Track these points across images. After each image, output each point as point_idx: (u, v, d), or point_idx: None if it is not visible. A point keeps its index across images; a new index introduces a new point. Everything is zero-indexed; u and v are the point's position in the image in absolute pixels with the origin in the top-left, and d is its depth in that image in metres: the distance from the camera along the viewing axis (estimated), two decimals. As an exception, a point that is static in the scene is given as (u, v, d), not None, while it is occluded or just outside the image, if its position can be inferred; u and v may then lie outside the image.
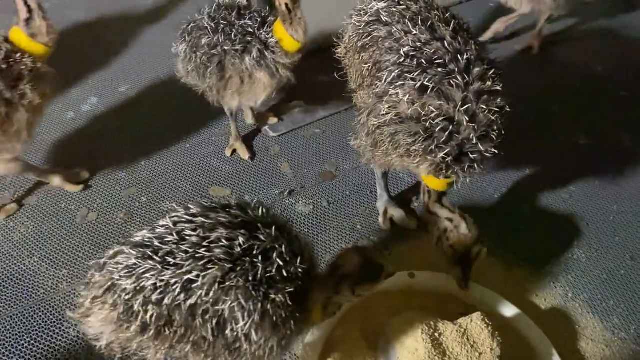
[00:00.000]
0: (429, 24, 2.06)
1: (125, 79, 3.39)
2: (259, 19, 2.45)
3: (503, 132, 1.99)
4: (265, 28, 2.44)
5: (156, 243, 1.54)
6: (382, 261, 1.71)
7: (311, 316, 1.69)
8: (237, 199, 1.72)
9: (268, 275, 1.50)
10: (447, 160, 1.96)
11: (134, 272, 1.51)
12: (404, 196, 2.77)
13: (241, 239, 1.51)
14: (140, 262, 1.51)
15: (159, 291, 1.49)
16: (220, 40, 2.41)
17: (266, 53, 2.42)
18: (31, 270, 2.44)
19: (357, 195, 2.77)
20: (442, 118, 1.91)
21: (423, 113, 1.92)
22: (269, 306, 1.50)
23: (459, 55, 1.96)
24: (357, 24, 2.28)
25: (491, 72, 1.97)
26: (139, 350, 1.60)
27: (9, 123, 2.27)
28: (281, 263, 1.53)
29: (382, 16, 2.17)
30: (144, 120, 3.14)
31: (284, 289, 1.52)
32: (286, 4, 2.32)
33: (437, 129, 1.91)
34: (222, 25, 2.43)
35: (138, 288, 1.50)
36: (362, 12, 2.28)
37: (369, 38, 2.19)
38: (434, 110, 1.91)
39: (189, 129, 3.10)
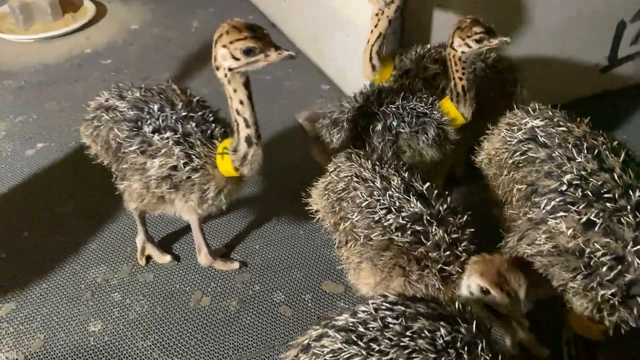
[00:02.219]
0: (595, 152, 1.96)
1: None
2: (427, 100, 2.56)
3: None
4: (435, 109, 2.56)
5: (360, 328, 1.54)
6: None
7: None
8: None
9: None
10: (612, 301, 1.79)
11: (339, 357, 1.50)
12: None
13: (443, 331, 1.51)
14: (345, 347, 1.51)
15: None
16: (394, 125, 2.48)
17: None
18: (144, 355, 2.41)
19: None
20: (609, 257, 1.77)
21: (588, 250, 1.80)
22: None
23: (630, 191, 1.84)
24: (509, 138, 2.20)
25: None
26: None
27: None
28: (487, 358, 1.51)
29: (539, 136, 2.09)
30: (257, 203, 3.13)
31: None
32: (463, 86, 2.51)
33: (603, 267, 1.77)
34: (392, 109, 2.51)
35: None
36: (514, 128, 2.20)
37: (524, 157, 2.11)
38: (600, 248, 1.78)
39: (304, 215, 3.04)
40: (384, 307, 1.60)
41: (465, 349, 1.50)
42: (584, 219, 1.81)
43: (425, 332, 1.51)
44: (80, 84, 4.05)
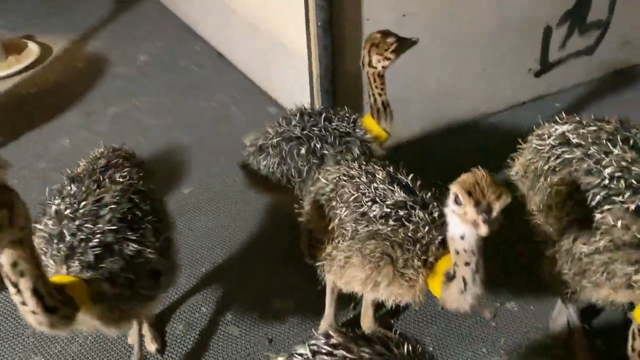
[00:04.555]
0: (631, 142, 1.97)
1: (189, 182, 3.43)
2: (349, 119, 2.57)
3: None
4: (357, 127, 2.55)
5: None
6: None
7: None
8: (380, 332, 1.60)
9: None
10: None
11: None
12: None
13: None
14: None
15: None
16: (318, 147, 2.47)
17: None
18: None
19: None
20: None
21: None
22: None
23: None
24: (540, 147, 2.21)
25: None
26: None
27: None
28: None
29: (571, 138, 2.10)
30: (204, 225, 3.12)
31: None
32: (383, 102, 2.52)
33: None
34: (315, 132, 2.50)
35: None
36: (544, 136, 2.23)
37: (559, 160, 2.10)
38: None
39: (249, 236, 3.05)
40: (323, 351, 1.46)
41: None
42: (632, 206, 1.79)
43: None
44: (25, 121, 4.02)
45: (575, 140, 2.07)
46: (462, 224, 1.67)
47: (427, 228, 1.92)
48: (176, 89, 4.31)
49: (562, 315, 2.45)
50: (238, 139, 3.49)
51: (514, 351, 2.42)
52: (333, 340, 1.49)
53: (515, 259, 2.80)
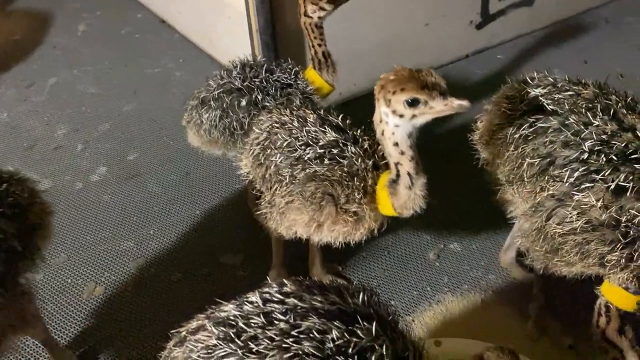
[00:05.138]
0: (611, 112, 1.82)
1: (134, 148, 3.38)
2: (290, 71, 2.54)
3: None
4: (299, 79, 2.53)
5: (241, 323, 1.39)
6: None
7: None
8: (334, 281, 1.60)
9: None
10: None
11: (212, 355, 1.36)
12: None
13: (335, 333, 1.34)
14: (221, 344, 1.36)
15: None
16: (260, 98, 2.44)
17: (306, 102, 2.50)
18: (39, 349, 2.31)
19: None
20: None
21: (623, 219, 1.66)
22: None
23: None
24: (510, 112, 2.05)
25: None
26: None
27: None
28: None
29: (545, 104, 1.94)
30: (151, 189, 3.10)
31: None
32: (323, 52, 2.50)
33: None
34: (256, 83, 2.47)
35: None
36: (515, 99, 2.06)
37: (532, 129, 1.94)
38: (637, 214, 1.65)
39: (197, 195, 3.04)
40: (275, 300, 1.43)
41: (355, 358, 1.33)
42: (613, 185, 1.67)
43: (314, 332, 1.33)
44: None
45: (550, 107, 1.92)
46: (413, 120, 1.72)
47: (359, 160, 1.95)
48: (118, 58, 4.21)
49: (511, 250, 2.51)
50: (183, 103, 3.47)
51: (457, 288, 2.51)
52: (286, 289, 1.48)
53: (457, 202, 2.89)
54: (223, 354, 1.35)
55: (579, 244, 1.75)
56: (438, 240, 2.73)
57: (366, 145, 1.99)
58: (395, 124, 1.76)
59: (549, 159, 1.86)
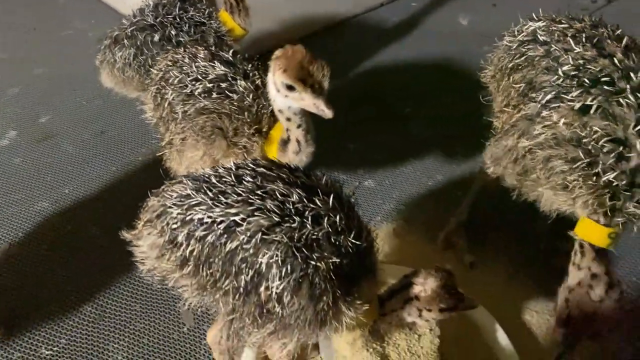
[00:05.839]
0: (595, 40, 1.84)
1: (46, 110, 3.28)
2: (204, 11, 2.55)
3: None
4: (213, 19, 2.54)
5: (214, 180, 1.52)
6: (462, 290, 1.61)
7: (360, 310, 1.55)
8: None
9: (314, 238, 1.41)
10: (613, 187, 1.65)
11: (185, 203, 1.50)
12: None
13: (296, 197, 1.45)
14: (194, 194, 1.49)
15: (203, 227, 1.46)
16: (173, 34, 2.44)
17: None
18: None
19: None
20: (607, 139, 1.64)
21: (583, 134, 1.67)
22: (309, 271, 1.40)
23: (631, 73, 1.70)
24: (509, 44, 2.09)
25: None
26: (176, 286, 1.58)
27: None
28: (331, 230, 1.43)
29: (539, 35, 1.97)
30: (66, 149, 3.04)
31: (329, 258, 1.42)
32: None
33: (604, 151, 1.64)
34: (169, 20, 2.46)
35: (186, 220, 1.49)
36: (516, 32, 2.10)
37: (523, 58, 1.98)
38: (598, 130, 1.65)
39: (113, 153, 3.01)
40: (247, 168, 1.56)
41: (310, 219, 1.42)
42: (578, 105, 1.70)
43: (277, 194, 1.45)
44: None
45: (542, 38, 1.96)
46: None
47: (252, 96, 1.99)
48: (29, 23, 4.04)
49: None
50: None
51: (371, 220, 2.61)
52: (259, 162, 1.60)
53: (373, 144, 2.98)
54: (194, 203, 1.49)
55: (545, 159, 1.77)
56: (353, 179, 2.82)
57: (258, 82, 2.02)
58: (273, 93, 1.82)
59: (530, 85, 1.91)
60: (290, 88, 1.75)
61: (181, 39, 2.47)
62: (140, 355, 2.16)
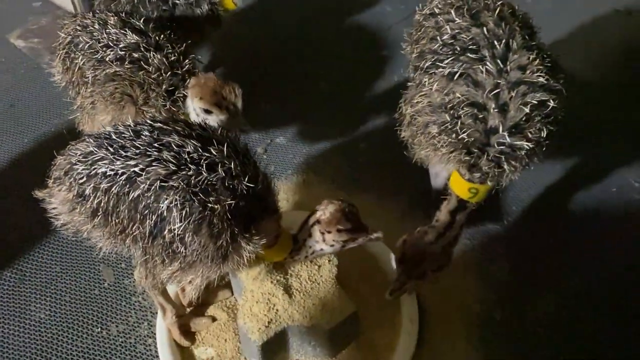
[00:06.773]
0: (473, 12, 1.97)
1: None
2: None
3: (547, 132, 1.82)
4: None
5: (114, 136, 1.62)
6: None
7: (259, 244, 1.69)
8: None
9: (209, 183, 1.55)
10: (468, 144, 1.82)
11: (89, 159, 1.60)
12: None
13: (191, 147, 1.57)
14: (96, 151, 1.60)
15: (107, 179, 1.57)
16: None
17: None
18: None
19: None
20: (467, 103, 1.80)
21: (448, 100, 1.84)
22: (206, 213, 1.54)
23: (496, 42, 1.84)
24: (417, 17, 2.22)
25: (537, 63, 1.81)
26: (91, 237, 1.70)
27: None
28: (225, 176, 1.56)
29: (435, 9, 2.10)
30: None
31: (224, 201, 1.55)
32: None
33: (463, 114, 1.80)
34: None
35: (91, 174, 1.59)
36: (423, 8, 2.22)
37: (422, 31, 2.12)
38: (459, 96, 1.81)
39: (25, 126, 3.01)
40: (145, 124, 1.66)
41: (204, 166, 1.55)
42: (446, 71, 1.85)
43: (173, 145, 1.57)
44: None
45: (436, 11, 2.09)
46: None
47: (169, 73, 2.09)
48: None
49: (441, 176, 2.49)
50: (3, 37, 3.43)
51: (282, 174, 2.78)
52: (157, 118, 1.74)
53: (284, 104, 3.14)
54: (97, 158, 1.60)
55: (424, 125, 1.93)
56: (265, 137, 2.97)
57: (173, 58, 2.11)
58: (194, 117, 2.08)
59: (421, 55, 2.04)
60: (207, 112, 2.02)
61: (177, 2, 2.52)
62: (62, 312, 2.25)
